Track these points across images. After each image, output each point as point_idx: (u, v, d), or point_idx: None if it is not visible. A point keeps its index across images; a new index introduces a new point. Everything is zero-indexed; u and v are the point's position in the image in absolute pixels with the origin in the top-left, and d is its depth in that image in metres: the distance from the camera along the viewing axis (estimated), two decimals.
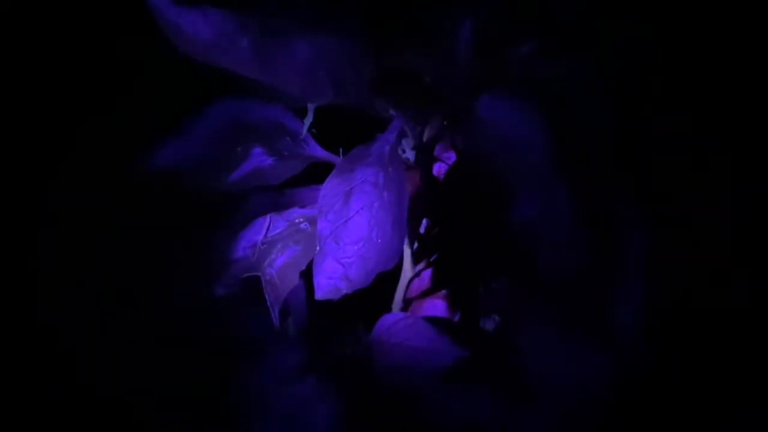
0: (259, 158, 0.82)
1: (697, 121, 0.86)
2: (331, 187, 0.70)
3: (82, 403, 0.88)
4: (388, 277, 0.92)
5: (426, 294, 0.98)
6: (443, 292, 0.98)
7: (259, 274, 0.79)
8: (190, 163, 0.82)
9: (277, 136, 0.82)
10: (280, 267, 0.78)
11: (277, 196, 0.83)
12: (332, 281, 0.68)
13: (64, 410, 0.87)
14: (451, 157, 0.88)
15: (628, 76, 0.79)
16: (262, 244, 0.80)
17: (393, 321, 0.90)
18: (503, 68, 0.77)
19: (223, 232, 0.82)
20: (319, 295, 0.68)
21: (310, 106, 0.80)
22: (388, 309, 0.97)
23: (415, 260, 0.95)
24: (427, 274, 0.97)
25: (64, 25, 0.83)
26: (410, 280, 0.96)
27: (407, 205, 0.70)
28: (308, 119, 0.80)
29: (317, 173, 0.82)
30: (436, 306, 0.98)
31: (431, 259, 0.96)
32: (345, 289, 0.68)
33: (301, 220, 0.81)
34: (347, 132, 0.81)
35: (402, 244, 0.71)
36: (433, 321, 0.90)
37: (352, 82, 0.77)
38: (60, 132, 0.84)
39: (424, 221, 0.93)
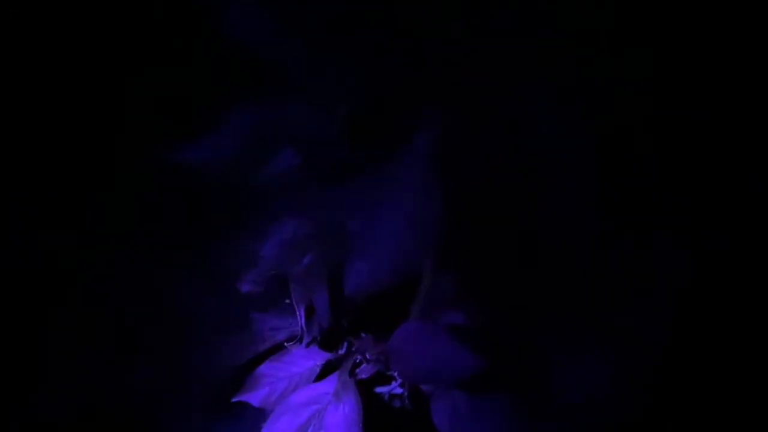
0: (289, 158, 0.83)
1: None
2: None
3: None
4: (409, 285, 0.93)
5: (445, 303, 0.98)
6: (463, 300, 0.98)
7: (285, 273, 0.79)
8: (218, 159, 0.83)
9: (308, 137, 0.83)
10: (306, 266, 0.79)
11: (305, 197, 0.83)
12: (361, 279, 0.69)
13: None
14: None
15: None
16: (290, 244, 0.80)
17: (412, 328, 0.90)
18: None
19: (250, 231, 0.83)
20: (348, 290, 0.69)
21: (342, 109, 0.81)
22: (408, 316, 0.97)
23: (436, 269, 0.95)
24: (447, 282, 0.97)
25: (96, 13, 0.83)
26: (429, 289, 0.96)
27: None
28: (339, 121, 0.81)
29: (345, 174, 0.83)
30: (456, 315, 0.98)
31: (451, 268, 0.96)
32: (375, 286, 0.68)
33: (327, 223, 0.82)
34: (377, 134, 0.82)
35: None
36: (452, 329, 0.90)
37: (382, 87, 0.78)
38: (92, 122, 0.85)
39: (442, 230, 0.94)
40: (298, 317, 0.81)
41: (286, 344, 0.95)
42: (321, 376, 0.92)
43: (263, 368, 0.94)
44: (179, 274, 0.84)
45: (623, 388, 0.90)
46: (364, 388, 0.87)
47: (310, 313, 0.82)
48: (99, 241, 0.82)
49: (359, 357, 0.90)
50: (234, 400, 0.93)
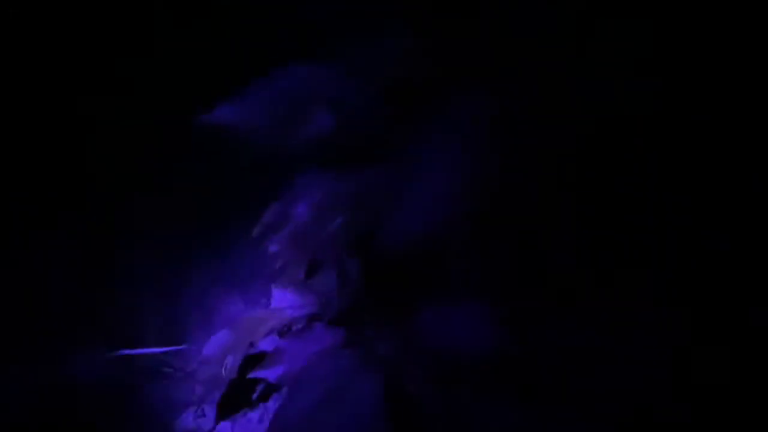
0: (323, 121, 0.81)
1: None
2: None
3: None
4: (432, 263, 0.90)
5: (467, 285, 0.95)
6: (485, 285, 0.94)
7: (313, 234, 0.77)
8: (250, 118, 0.81)
9: (345, 102, 0.81)
10: (337, 227, 0.76)
11: (339, 161, 0.82)
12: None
13: None
14: None
15: None
16: (322, 206, 0.78)
17: (436, 306, 0.87)
18: None
19: (280, 192, 0.81)
20: (389, 241, 0.67)
21: (381, 76, 0.80)
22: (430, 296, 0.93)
23: (462, 249, 0.92)
24: (472, 264, 0.94)
25: None
26: (453, 268, 0.93)
27: None
28: (378, 88, 0.80)
29: (381, 141, 0.81)
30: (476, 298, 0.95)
31: (478, 250, 0.93)
32: (422, 237, 0.66)
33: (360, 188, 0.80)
34: (414, 104, 0.81)
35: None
36: (477, 311, 0.87)
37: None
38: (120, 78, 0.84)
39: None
40: (322, 288, 0.79)
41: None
42: (342, 352, 0.88)
43: (282, 344, 0.91)
44: (204, 236, 0.82)
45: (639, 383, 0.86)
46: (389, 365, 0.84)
47: (341, 277, 0.79)
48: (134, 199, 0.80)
49: (381, 333, 0.87)
50: (250, 376, 0.90)
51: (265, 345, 0.93)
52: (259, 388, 0.90)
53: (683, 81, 0.86)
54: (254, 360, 0.91)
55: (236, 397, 0.93)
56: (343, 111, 0.81)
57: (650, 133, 0.86)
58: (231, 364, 0.87)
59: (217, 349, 0.87)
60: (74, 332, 0.84)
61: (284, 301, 0.93)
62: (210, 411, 0.87)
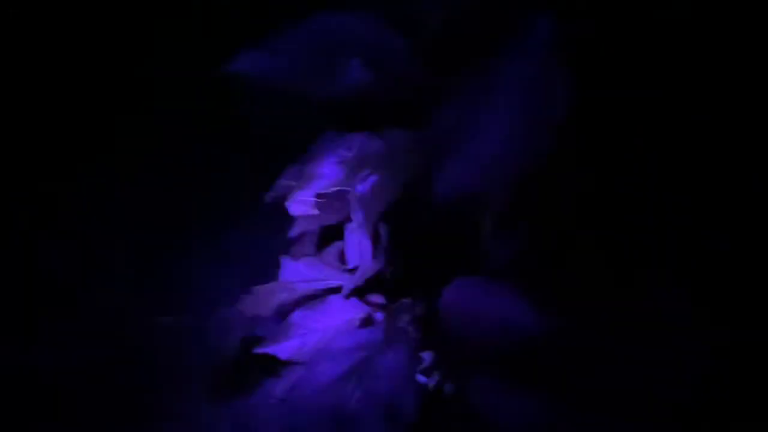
0: (358, 72, 0.75)
1: None
2: None
3: None
4: (467, 237, 0.84)
5: (498, 267, 0.89)
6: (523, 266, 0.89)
7: (347, 189, 0.70)
8: (279, 67, 0.75)
9: (382, 52, 0.75)
10: (373, 185, 0.70)
11: (374, 114, 0.75)
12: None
13: None
14: None
15: None
16: (354, 162, 0.71)
17: (469, 284, 0.80)
18: None
19: (308, 146, 0.74)
20: (439, 197, 0.60)
21: (424, 25, 0.74)
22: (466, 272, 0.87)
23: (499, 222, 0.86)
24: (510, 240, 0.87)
25: None
26: (489, 245, 0.86)
27: None
28: (419, 39, 0.74)
29: (419, 96, 0.75)
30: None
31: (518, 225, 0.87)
32: (475, 190, 0.60)
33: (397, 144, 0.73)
34: (458, 57, 0.74)
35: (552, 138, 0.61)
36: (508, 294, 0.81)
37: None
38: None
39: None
40: (345, 257, 0.72)
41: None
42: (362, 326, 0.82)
43: (295, 317, 0.84)
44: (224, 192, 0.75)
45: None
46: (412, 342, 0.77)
47: (370, 245, 0.72)
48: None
49: (407, 311, 0.81)
50: (257, 351, 0.82)
51: (275, 319, 0.86)
52: (269, 364, 0.83)
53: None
54: (263, 336, 0.84)
55: (240, 376, 0.86)
56: (381, 64, 0.74)
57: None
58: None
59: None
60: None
61: (297, 273, 0.86)
62: None
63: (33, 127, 0.76)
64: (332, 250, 0.82)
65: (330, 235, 0.79)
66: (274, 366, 0.82)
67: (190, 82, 0.77)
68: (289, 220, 0.78)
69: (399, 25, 0.76)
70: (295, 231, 0.79)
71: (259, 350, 0.82)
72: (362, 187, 0.70)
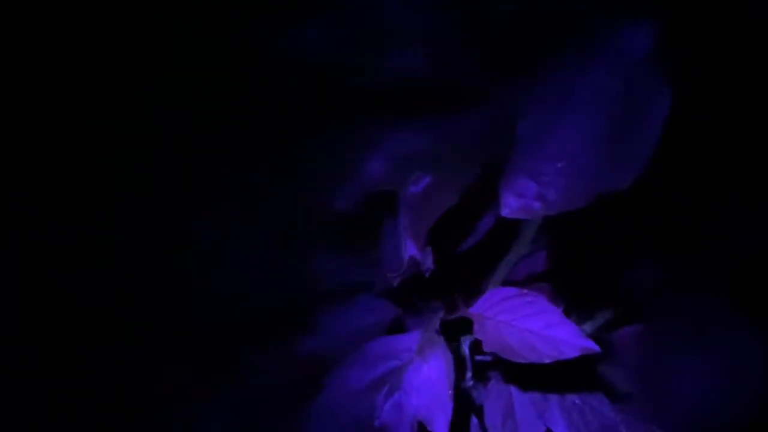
0: (411, 57, 0.68)
1: None
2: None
3: None
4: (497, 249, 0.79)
5: (535, 278, 0.83)
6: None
7: (395, 191, 0.64)
8: (321, 50, 0.68)
9: (441, 35, 0.68)
10: (427, 186, 0.64)
11: (430, 106, 0.68)
12: (523, 200, 0.54)
13: None
14: None
15: None
16: (405, 159, 0.65)
17: (504, 296, 0.75)
18: None
19: (354, 139, 0.68)
20: (505, 212, 0.54)
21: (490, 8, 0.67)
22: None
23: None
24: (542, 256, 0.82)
25: None
26: (521, 259, 0.81)
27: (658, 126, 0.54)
28: (484, 24, 0.67)
29: (481, 88, 0.68)
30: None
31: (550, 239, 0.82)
32: (541, 210, 0.53)
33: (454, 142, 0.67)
34: (529, 44, 0.68)
35: (641, 163, 0.55)
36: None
37: None
38: None
39: None
40: (403, 247, 0.66)
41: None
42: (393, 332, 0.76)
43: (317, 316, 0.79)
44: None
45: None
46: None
47: (423, 247, 0.66)
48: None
49: (444, 315, 0.75)
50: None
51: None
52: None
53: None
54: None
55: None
56: (439, 50, 0.67)
57: None
58: None
59: None
60: None
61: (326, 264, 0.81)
62: None
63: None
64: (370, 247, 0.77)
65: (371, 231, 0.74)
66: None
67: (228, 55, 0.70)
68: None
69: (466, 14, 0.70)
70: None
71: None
72: (414, 189, 0.63)
